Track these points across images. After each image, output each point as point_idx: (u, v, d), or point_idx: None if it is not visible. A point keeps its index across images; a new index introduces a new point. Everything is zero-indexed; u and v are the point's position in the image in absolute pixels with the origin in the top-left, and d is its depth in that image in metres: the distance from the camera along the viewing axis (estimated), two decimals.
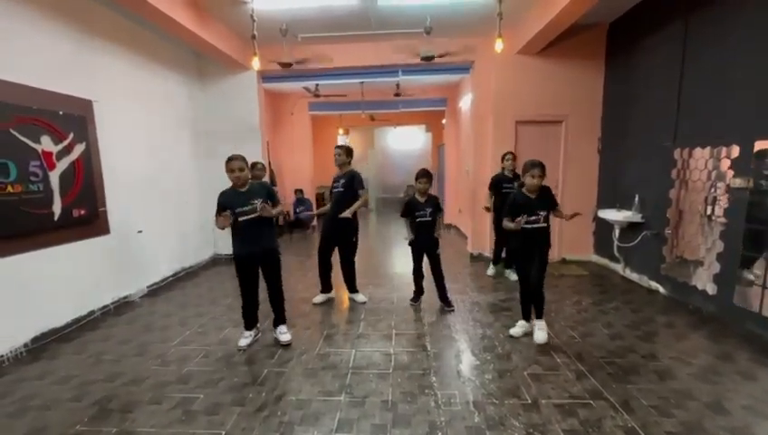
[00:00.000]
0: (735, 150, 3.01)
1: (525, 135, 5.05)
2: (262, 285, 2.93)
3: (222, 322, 3.38)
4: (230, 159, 2.67)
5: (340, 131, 10.61)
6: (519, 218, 2.67)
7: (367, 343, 2.94)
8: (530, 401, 2.16)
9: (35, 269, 2.98)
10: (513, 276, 4.29)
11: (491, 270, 4.62)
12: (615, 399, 2.17)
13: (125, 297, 3.90)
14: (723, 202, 3.18)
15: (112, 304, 3.73)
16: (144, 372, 2.57)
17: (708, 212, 3.35)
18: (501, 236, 4.32)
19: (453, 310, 3.50)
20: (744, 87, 2.96)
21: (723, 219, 3.15)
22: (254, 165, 4.36)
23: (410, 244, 3.53)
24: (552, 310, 3.46)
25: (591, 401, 2.15)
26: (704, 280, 3.33)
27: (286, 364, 2.63)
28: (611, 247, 4.49)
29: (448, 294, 3.59)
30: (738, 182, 2.98)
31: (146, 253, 4.20)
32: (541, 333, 2.87)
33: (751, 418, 1.99)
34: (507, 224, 2.76)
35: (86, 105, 3.47)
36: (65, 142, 3.20)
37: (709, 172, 3.30)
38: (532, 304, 2.97)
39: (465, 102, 6.40)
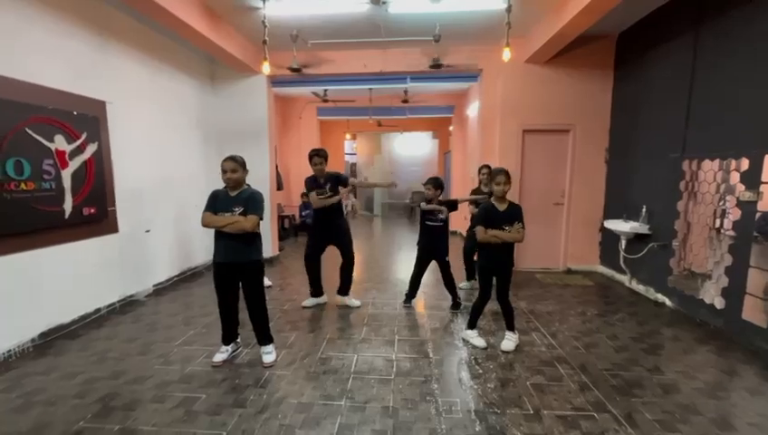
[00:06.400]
0: (745, 163, 2.99)
1: (532, 144, 5.04)
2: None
3: None
4: (224, 160, 2.57)
5: (348, 136, 10.69)
6: (493, 232, 2.73)
7: (369, 348, 2.93)
8: (532, 412, 2.14)
9: (45, 266, 3.03)
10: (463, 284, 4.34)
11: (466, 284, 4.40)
12: (618, 412, 2.14)
13: (131, 296, 3.94)
14: (732, 215, 3.15)
15: (118, 302, 3.77)
16: (147, 370, 2.59)
17: (717, 225, 3.31)
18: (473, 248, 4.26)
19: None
20: (755, 99, 2.94)
21: (731, 232, 3.12)
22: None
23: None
24: (556, 320, 3.44)
25: (595, 414, 2.13)
26: (711, 294, 3.29)
27: (288, 367, 2.64)
28: (618, 258, 4.45)
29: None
30: (748, 195, 2.95)
31: (153, 252, 4.25)
32: (509, 342, 2.87)
33: None
34: (481, 235, 2.75)
35: (99, 106, 3.54)
36: (78, 142, 3.26)
37: (718, 185, 3.27)
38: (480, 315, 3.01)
39: (473, 110, 6.41)
